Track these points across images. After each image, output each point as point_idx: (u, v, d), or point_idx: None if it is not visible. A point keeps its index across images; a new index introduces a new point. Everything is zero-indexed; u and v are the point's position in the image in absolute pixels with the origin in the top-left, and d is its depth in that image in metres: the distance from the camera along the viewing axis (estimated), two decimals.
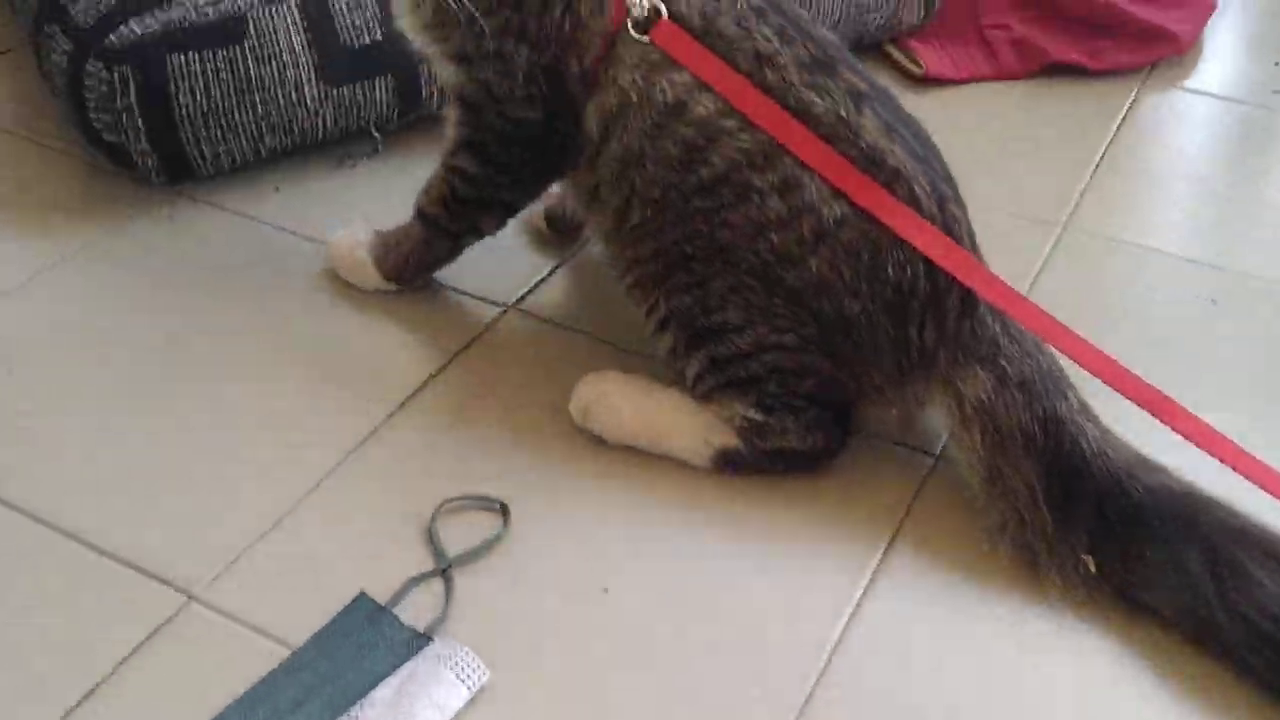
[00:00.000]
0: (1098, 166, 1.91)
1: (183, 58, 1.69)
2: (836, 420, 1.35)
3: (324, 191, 1.80)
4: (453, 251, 1.55)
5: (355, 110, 1.82)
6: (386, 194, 1.77)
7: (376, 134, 1.87)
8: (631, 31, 1.32)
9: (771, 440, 1.33)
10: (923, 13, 2.15)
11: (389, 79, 1.81)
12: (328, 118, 1.80)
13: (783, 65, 1.29)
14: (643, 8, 1.33)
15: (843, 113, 1.28)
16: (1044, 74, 2.12)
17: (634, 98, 1.32)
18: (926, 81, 2.10)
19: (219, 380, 1.47)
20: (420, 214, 1.54)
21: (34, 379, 1.47)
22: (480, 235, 1.54)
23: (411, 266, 1.57)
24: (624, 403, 1.38)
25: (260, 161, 1.80)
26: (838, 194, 1.26)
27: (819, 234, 1.26)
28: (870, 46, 2.15)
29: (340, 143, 1.86)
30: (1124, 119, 2.02)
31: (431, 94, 1.84)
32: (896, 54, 2.14)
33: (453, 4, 1.34)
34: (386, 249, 1.57)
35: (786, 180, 1.27)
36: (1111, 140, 1.97)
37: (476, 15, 1.35)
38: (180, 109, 1.70)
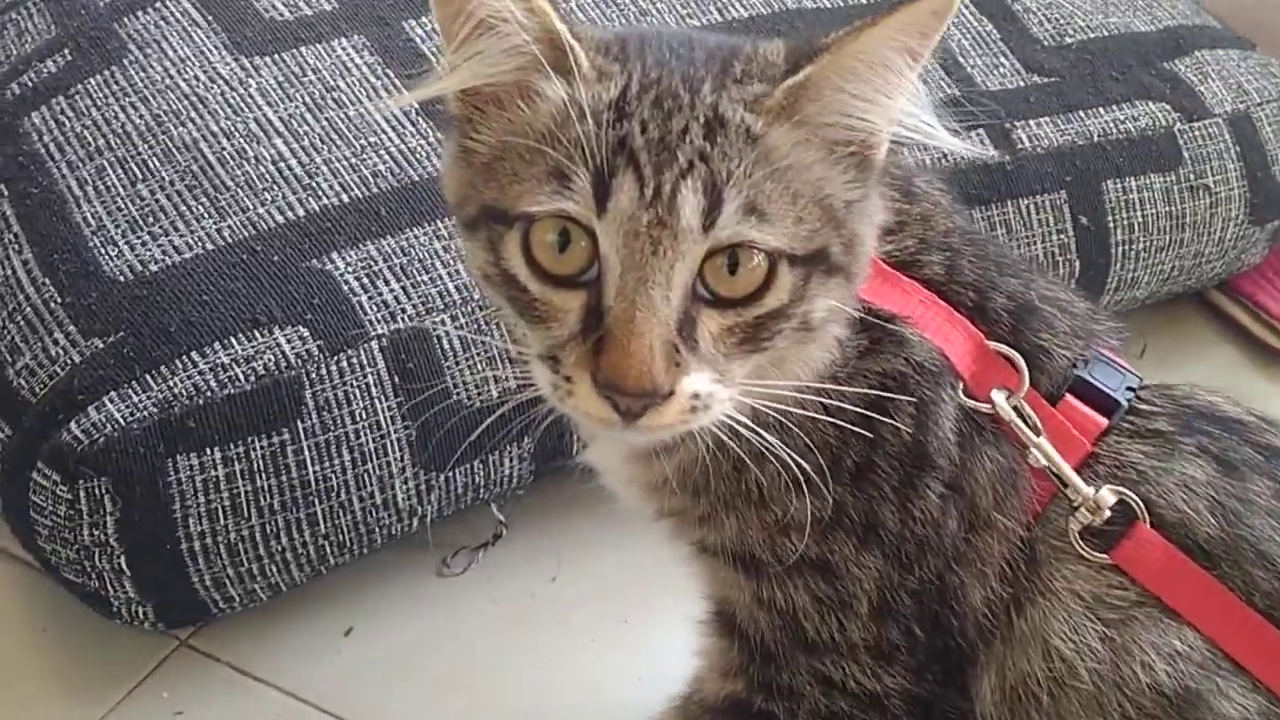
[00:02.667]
0: None
1: (195, 460, 1.01)
2: None
3: (416, 626, 1.13)
4: None
5: (471, 493, 1.14)
6: (516, 606, 1.15)
7: (500, 516, 1.19)
8: (1076, 542, 0.77)
9: None
10: (1266, 248, 1.47)
11: (524, 445, 1.13)
12: (429, 511, 1.12)
13: None
14: (1097, 503, 0.75)
15: None
16: None
17: (1081, 671, 0.75)
18: None
19: None
20: None
21: None
22: None
23: None
24: None
25: (319, 579, 1.12)
26: None
27: None
28: (1188, 296, 1.48)
29: (442, 525, 1.18)
30: None
31: (576, 439, 1.16)
32: (1248, 322, 1.45)
33: (748, 467, 0.76)
34: None
35: None
36: None
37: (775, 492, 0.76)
38: (191, 541, 1.02)
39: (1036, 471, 0.78)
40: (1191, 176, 1.38)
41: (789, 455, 0.73)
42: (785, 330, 0.71)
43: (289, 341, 1.04)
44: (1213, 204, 1.40)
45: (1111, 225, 1.34)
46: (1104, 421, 0.79)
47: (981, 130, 1.31)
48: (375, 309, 1.08)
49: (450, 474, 1.10)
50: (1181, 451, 0.78)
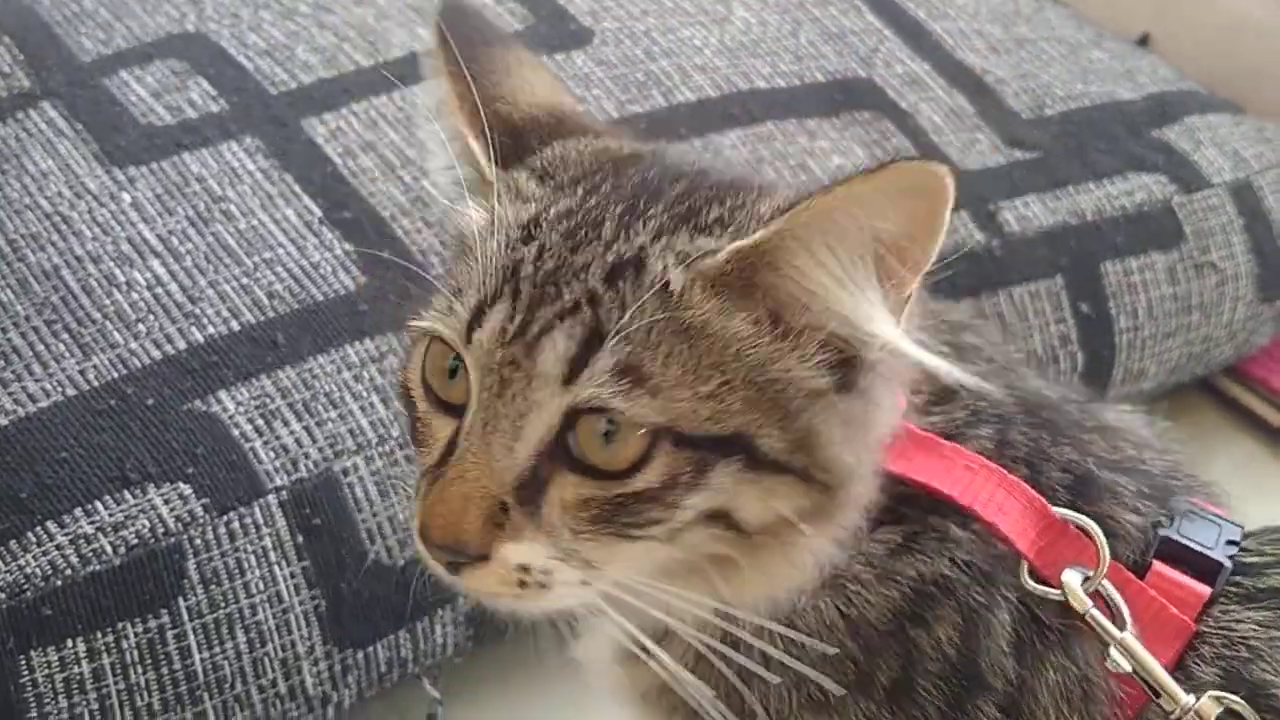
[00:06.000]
0: None
1: (54, 655, 0.82)
2: None
3: None
4: None
5: (396, 669, 0.95)
6: None
7: (435, 693, 1.00)
8: None
9: None
10: (1274, 328, 1.34)
11: (456, 607, 0.95)
12: (346, 699, 0.94)
13: None
14: (1199, 715, 0.59)
15: None
16: None
17: None
18: None
19: None
20: None
21: None
22: None
23: None
24: None
25: None
26: None
27: None
28: (1195, 385, 1.34)
29: (363, 708, 0.99)
30: None
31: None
32: (1265, 410, 1.31)
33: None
34: None
35: None
36: None
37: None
38: None
39: (1124, 676, 0.61)
40: (1195, 253, 1.24)
41: (796, 672, 0.59)
42: (663, 521, 0.58)
43: (167, 502, 0.86)
44: (1220, 282, 1.26)
45: (1114, 311, 1.20)
46: (1206, 591, 0.62)
47: (964, 212, 1.17)
48: (272, 456, 0.90)
49: (370, 649, 0.92)
50: None
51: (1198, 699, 0.59)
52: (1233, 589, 0.63)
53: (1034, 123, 1.27)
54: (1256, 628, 0.61)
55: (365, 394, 0.94)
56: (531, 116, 0.68)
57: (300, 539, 0.89)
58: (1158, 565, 0.63)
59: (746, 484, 0.58)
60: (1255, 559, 0.64)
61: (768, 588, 0.61)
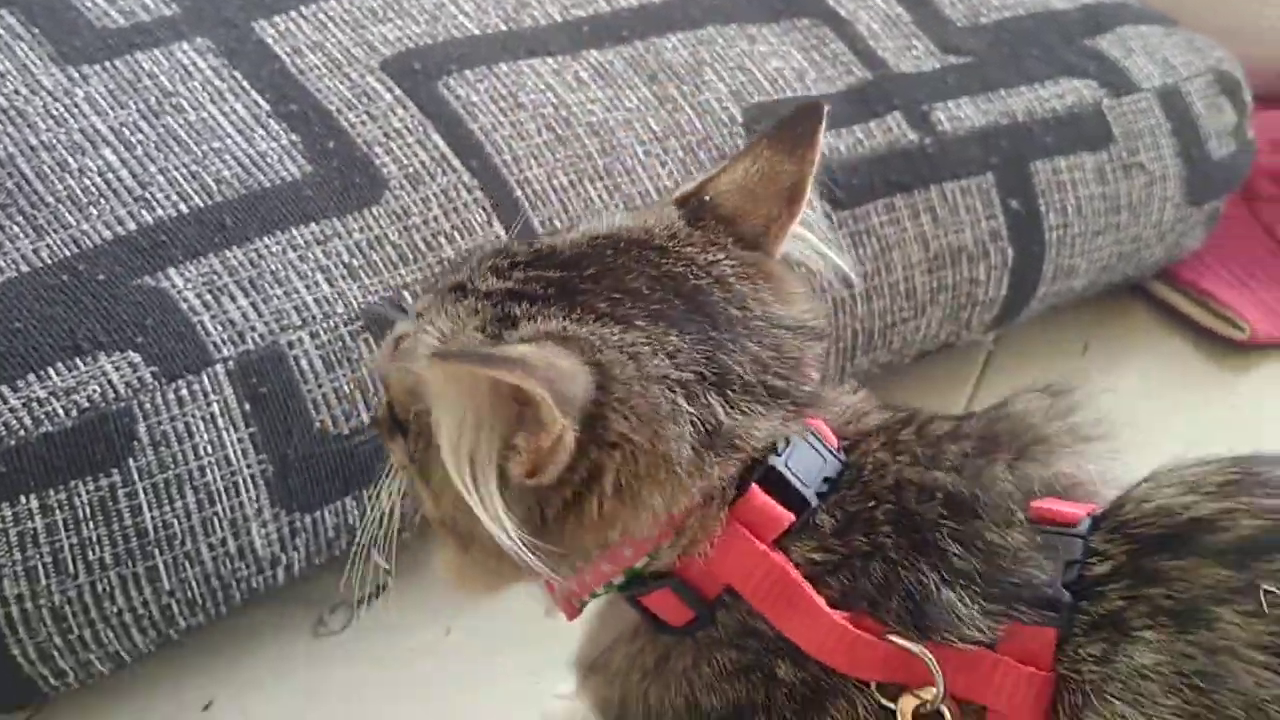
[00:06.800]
0: None
1: (8, 511, 0.86)
2: None
3: (288, 694, 0.97)
4: None
5: (345, 537, 0.99)
6: (406, 666, 0.98)
7: (385, 564, 1.04)
8: None
9: None
10: (1205, 232, 1.38)
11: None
12: (296, 563, 0.98)
13: None
14: None
15: None
16: None
17: None
18: (1247, 347, 1.31)
19: None
20: None
21: None
22: None
23: None
24: None
25: (170, 645, 0.97)
26: None
27: None
28: (1130, 289, 1.38)
29: (316, 578, 1.03)
30: None
31: None
32: (1194, 310, 1.35)
33: None
34: None
35: None
36: None
37: None
38: (7, 606, 0.87)
39: None
40: (1124, 154, 1.28)
41: None
42: None
43: (117, 369, 0.90)
44: (1148, 183, 1.30)
45: (1044, 208, 1.24)
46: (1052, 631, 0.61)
47: (898, 113, 1.20)
48: (220, 329, 0.94)
49: (318, 514, 0.96)
50: (1131, 630, 0.59)
51: None
52: (1083, 617, 0.61)
53: (969, 30, 1.31)
54: (1094, 664, 0.60)
55: (310, 273, 0.98)
56: None
57: (247, 406, 0.93)
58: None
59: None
60: (1099, 568, 0.62)
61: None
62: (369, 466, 0.96)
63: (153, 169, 1.01)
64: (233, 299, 0.95)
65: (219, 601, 0.95)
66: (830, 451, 0.67)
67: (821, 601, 0.63)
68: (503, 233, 1.04)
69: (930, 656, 0.61)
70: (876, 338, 1.19)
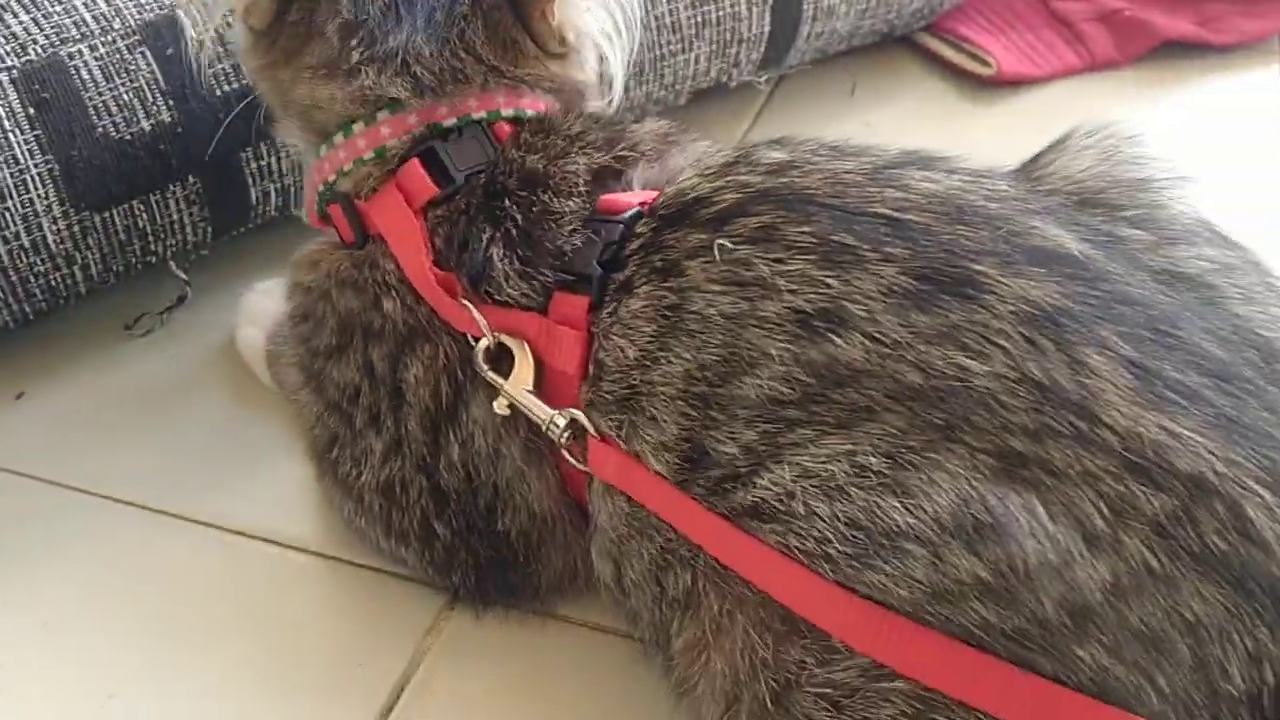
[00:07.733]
0: None
1: None
2: None
3: (97, 386, 1.07)
4: None
5: (139, 243, 1.08)
6: (204, 364, 1.07)
7: (183, 275, 1.13)
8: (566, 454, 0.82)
9: None
10: None
11: (190, 183, 1.07)
12: (92, 263, 1.06)
13: None
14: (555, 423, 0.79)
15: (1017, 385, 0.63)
16: (1152, 58, 1.47)
17: None
18: (997, 83, 1.43)
19: None
20: None
21: None
22: None
23: None
24: None
25: None
26: None
27: None
28: (900, 40, 1.48)
29: (125, 291, 1.12)
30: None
31: (263, 200, 1.11)
32: (950, 53, 1.46)
33: None
34: None
35: None
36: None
37: None
38: None
39: None
40: None
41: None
42: None
43: None
44: None
45: None
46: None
47: None
48: (3, 42, 1.01)
49: (107, 215, 1.04)
50: (634, 289, 0.75)
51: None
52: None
53: None
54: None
55: None
56: None
57: (32, 111, 1.00)
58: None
59: None
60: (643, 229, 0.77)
61: None
62: (152, 175, 1.05)
63: None
64: (15, 15, 1.02)
65: (23, 300, 1.04)
66: (494, 144, 0.83)
67: (427, 258, 0.80)
68: None
69: (472, 306, 0.78)
70: (648, 69, 1.29)
